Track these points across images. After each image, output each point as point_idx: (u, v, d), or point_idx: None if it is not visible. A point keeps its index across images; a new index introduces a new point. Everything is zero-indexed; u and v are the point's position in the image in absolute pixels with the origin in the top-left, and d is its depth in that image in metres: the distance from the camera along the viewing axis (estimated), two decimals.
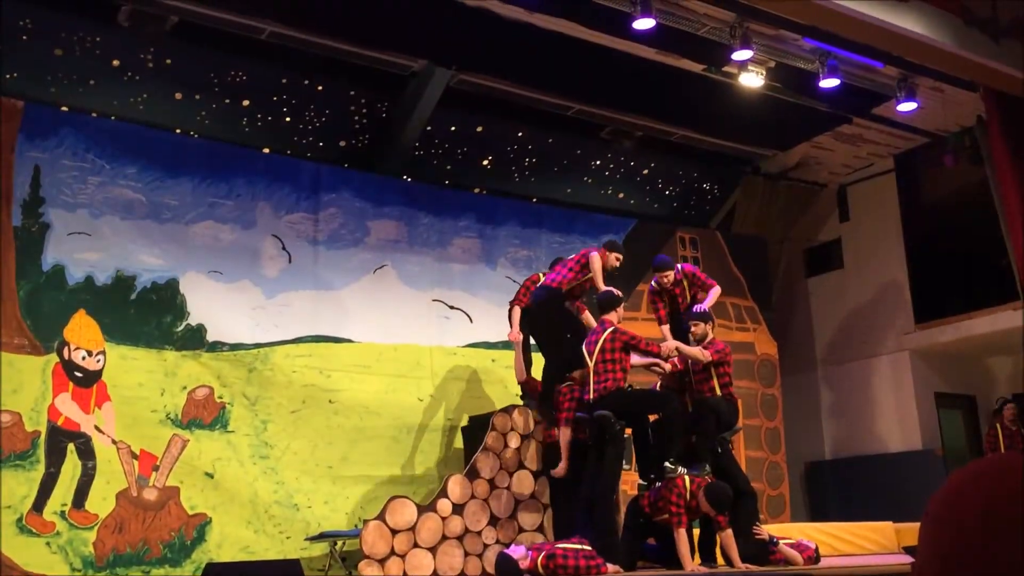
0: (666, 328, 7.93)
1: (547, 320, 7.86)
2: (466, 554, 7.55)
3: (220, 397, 8.36)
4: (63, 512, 7.44)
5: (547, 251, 10.46)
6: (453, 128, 10.27)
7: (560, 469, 7.49)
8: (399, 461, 9.08)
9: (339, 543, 8.11)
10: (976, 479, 1.02)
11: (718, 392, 7.52)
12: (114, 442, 7.74)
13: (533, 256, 10.45)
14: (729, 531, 6.98)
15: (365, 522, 7.40)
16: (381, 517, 7.27)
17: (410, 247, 9.72)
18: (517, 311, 8.01)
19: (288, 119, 9.50)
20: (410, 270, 9.67)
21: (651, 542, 7.34)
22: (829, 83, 9.14)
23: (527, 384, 8.15)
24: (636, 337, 7.32)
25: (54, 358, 7.64)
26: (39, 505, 7.34)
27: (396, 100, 9.77)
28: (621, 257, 7.99)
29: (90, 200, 8.06)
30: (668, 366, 7.59)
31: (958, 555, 0.98)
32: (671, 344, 7.44)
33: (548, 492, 7.89)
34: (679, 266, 8.20)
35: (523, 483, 7.90)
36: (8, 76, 8.07)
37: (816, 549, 7.60)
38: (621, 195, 11.67)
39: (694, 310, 7.82)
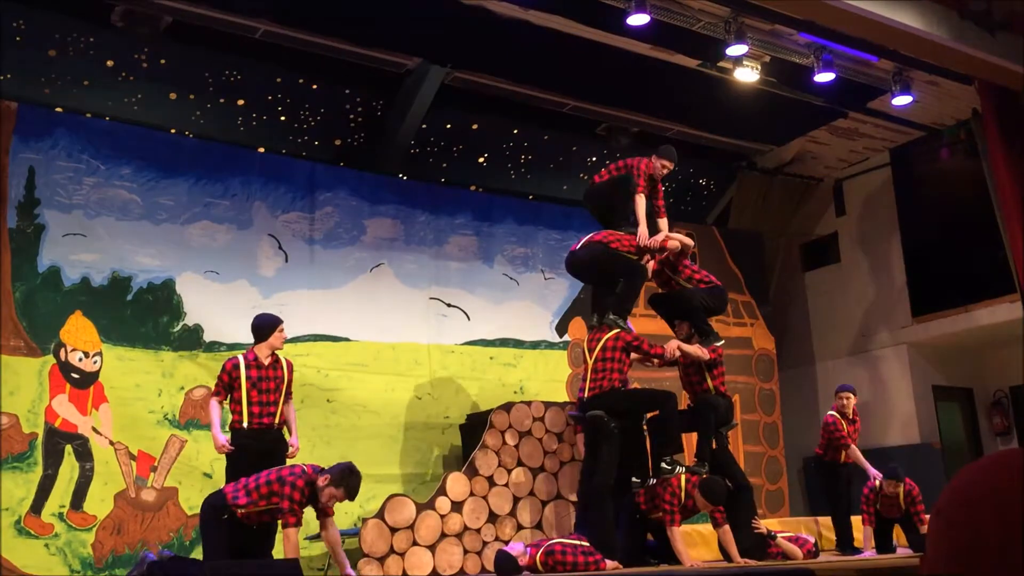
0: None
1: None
2: (465, 552, 7.55)
3: None
4: (61, 514, 7.43)
5: (544, 248, 10.46)
6: (448, 126, 10.26)
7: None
8: (397, 459, 9.07)
9: None
10: (987, 475, 1.01)
11: (712, 392, 7.54)
12: (112, 443, 7.73)
13: (530, 253, 10.44)
14: (726, 526, 6.99)
15: (364, 520, 7.40)
16: (380, 515, 7.27)
17: (407, 245, 9.70)
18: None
19: (283, 118, 9.48)
20: (407, 268, 9.65)
21: (649, 538, 7.35)
22: (824, 77, 9.13)
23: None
24: (640, 338, 7.31)
25: (51, 360, 7.63)
26: (37, 507, 7.33)
27: (391, 98, 9.76)
28: (669, 165, 7.80)
29: (85, 201, 8.04)
30: (658, 362, 7.60)
31: (970, 551, 0.97)
32: (674, 344, 7.41)
33: (547, 489, 7.90)
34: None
35: (521, 480, 7.90)
36: (2, 77, 8.05)
37: (816, 543, 7.61)
38: None
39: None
